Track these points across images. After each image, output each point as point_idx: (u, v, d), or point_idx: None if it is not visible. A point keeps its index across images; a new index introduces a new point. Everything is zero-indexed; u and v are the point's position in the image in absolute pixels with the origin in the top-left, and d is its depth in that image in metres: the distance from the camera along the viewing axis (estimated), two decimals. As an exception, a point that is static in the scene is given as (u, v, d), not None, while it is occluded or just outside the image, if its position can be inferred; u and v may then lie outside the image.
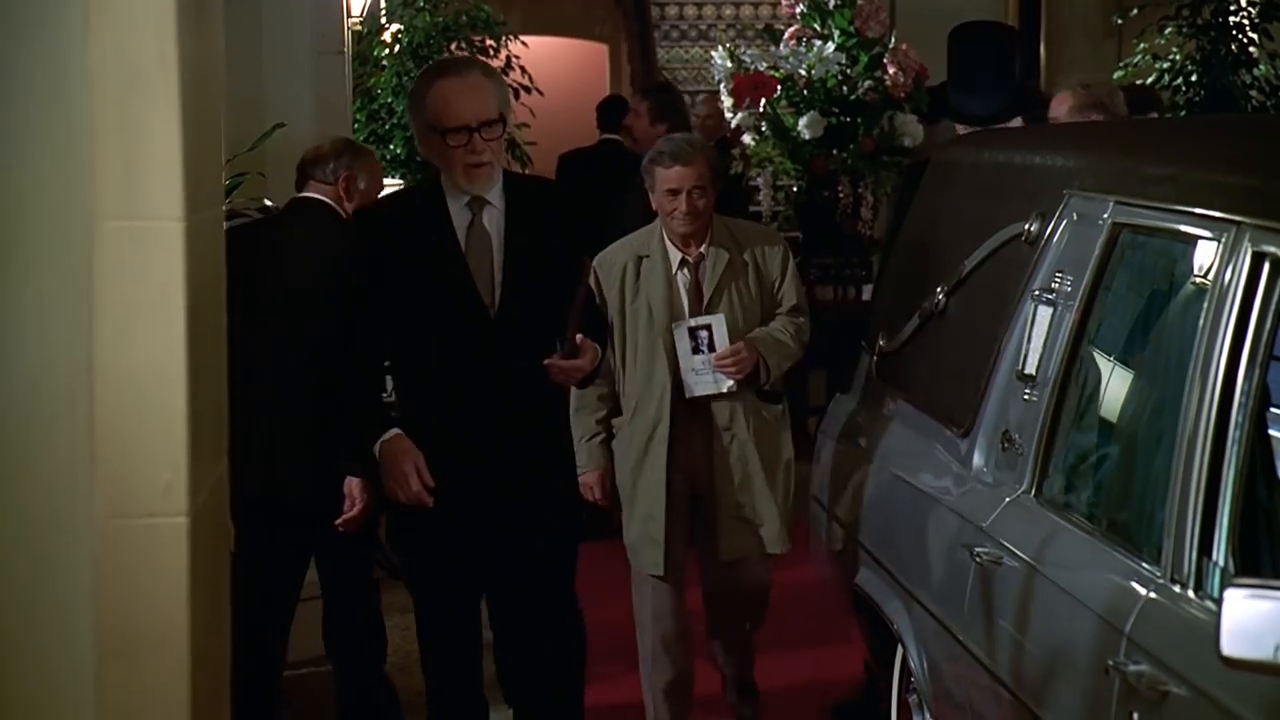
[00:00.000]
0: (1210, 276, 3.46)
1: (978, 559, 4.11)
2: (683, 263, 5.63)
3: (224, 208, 5.21)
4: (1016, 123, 7.00)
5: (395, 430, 4.67)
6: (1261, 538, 3.45)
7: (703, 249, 5.62)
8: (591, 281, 5.18)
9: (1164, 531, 3.40)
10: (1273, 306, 3.29)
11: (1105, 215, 4.01)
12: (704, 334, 5.56)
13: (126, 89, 2.58)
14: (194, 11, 2.71)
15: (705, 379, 5.57)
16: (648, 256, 5.64)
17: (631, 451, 5.65)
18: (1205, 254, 3.53)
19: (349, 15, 7.37)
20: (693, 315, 5.57)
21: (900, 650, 4.76)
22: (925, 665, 4.53)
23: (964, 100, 6.36)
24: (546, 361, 4.64)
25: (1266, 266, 3.30)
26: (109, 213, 2.61)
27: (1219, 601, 2.78)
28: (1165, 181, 3.81)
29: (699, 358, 5.56)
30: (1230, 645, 2.74)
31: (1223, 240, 3.43)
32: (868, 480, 5.16)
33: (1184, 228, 3.64)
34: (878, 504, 5.09)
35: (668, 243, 5.64)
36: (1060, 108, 6.26)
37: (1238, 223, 3.39)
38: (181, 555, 2.66)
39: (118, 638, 2.65)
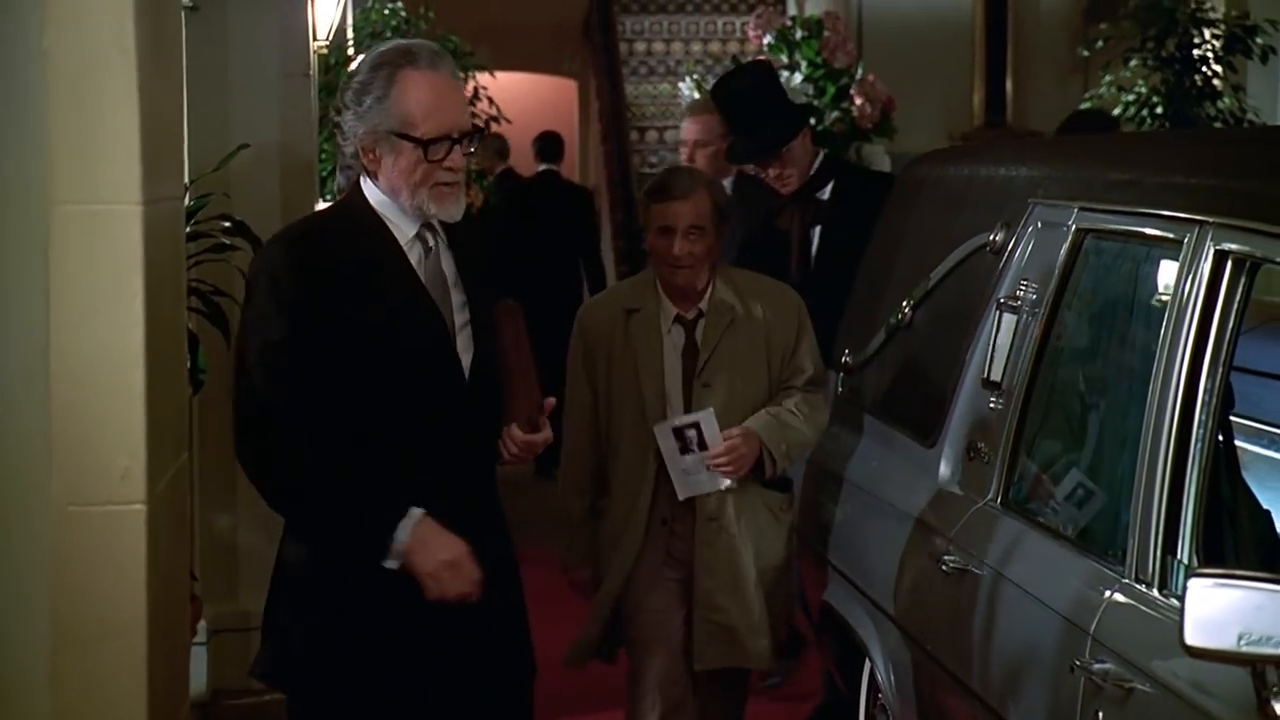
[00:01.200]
0: (1174, 276, 3.47)
1: (944, 568, 4.10)
2: (677, 320, 4.85)
3: (189, 229, 5.21)
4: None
5: (418, 510, 3.44)
6: (1225, 536, 3.47)
7: (701, 305, 4.85)
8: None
9: (1129, 532, 3.40)
10: (1236, 304, 3.30)
11: (1069, 222, 4.02)
12: (691, 433, 4.78)
13: (83, 71, 2.58)
14: (152, -3, 2.70)
15: (699, 479, 4.81)
16: (638, 310, 4.86)
17: (614, 536, 4.87)
18: (1169, 254, 3.54)
19: (315, 38, 7.34)
20: (685, 383, 4.81)
21: (868, 664, 4.74)
22: (893, 678, 4.51)
23: (741, 141, 6.33)
24: (523, 437, 3.67)
25: (1229, 265, 3.31)
26: (65, 196, 2.59)
27: (1182, 594, 2.78)
28: (1128, 186, 3.83)
29: (689, 458, 4.80)
30: (1194, 636, 2.75)
31: (1186, 240, 3.44)
32: (835, 497, 5.15)
33: (1147, 230, 3.65)
34: (845, 520, 5.08)
35: (662, 295, 4.86)
36: None
37: (1200, 222, 3.40)
38: (140, 543, 2.63)
39: (74, 627, 2.63)
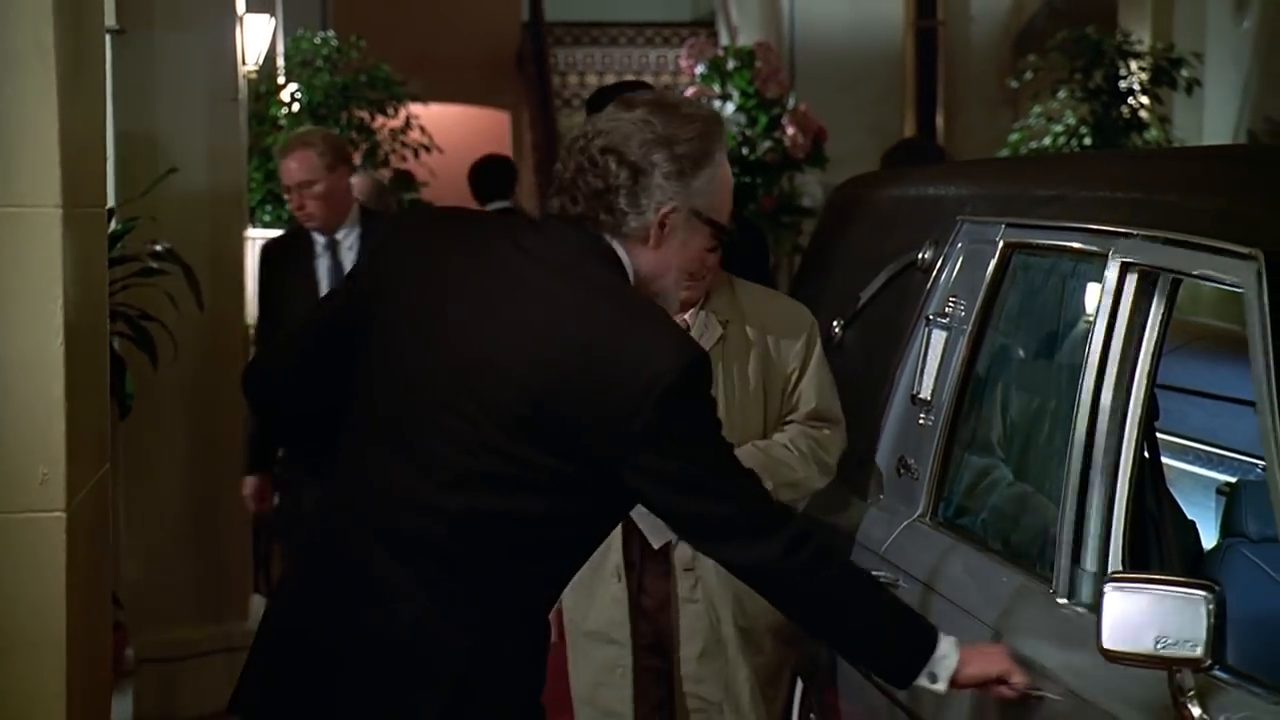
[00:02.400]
0: (1099, 289, 3.49)
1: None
2: None
3: (116, 253, 5.17)
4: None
5: None
6: (1151, 548, 3.48)
7: (688, 316, 4.22)
8: None
9: (1057, 545, 3.41)
10: (1160, 316, 3.32)
11: (997, 237, 4.04)
12: None
13: (1, 74, 2.55)
14: (72, -2, 2.68)
15: None
16: None
17: (580, 587, 4.19)
18: (1094, 269, 3.56)
19: (244, 63, 7.32)
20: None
21: (799, 683, 4.73)
22: (822, 698, 4.50)
23: None
24: None
25: (1153, 278, 3.33)
26: (-17, 199, 2.57)
27: (1098, 598, 2.78)
28: (1053, 201, 3.85)
29: None
30: (1111, 640, 2.76)
31: (1110, 254, 3.46)
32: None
33: (1073, 244, 3.67)
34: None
35: None
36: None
37: (1124, 235, 3.43)
38: (59, 551, 2.60)
39: (-8, 635, 2.60)
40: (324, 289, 6.00)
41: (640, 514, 3.89)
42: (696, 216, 2.95)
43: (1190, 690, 2.75)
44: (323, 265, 6.12)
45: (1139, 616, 2.72)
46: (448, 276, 2.91)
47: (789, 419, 4.28)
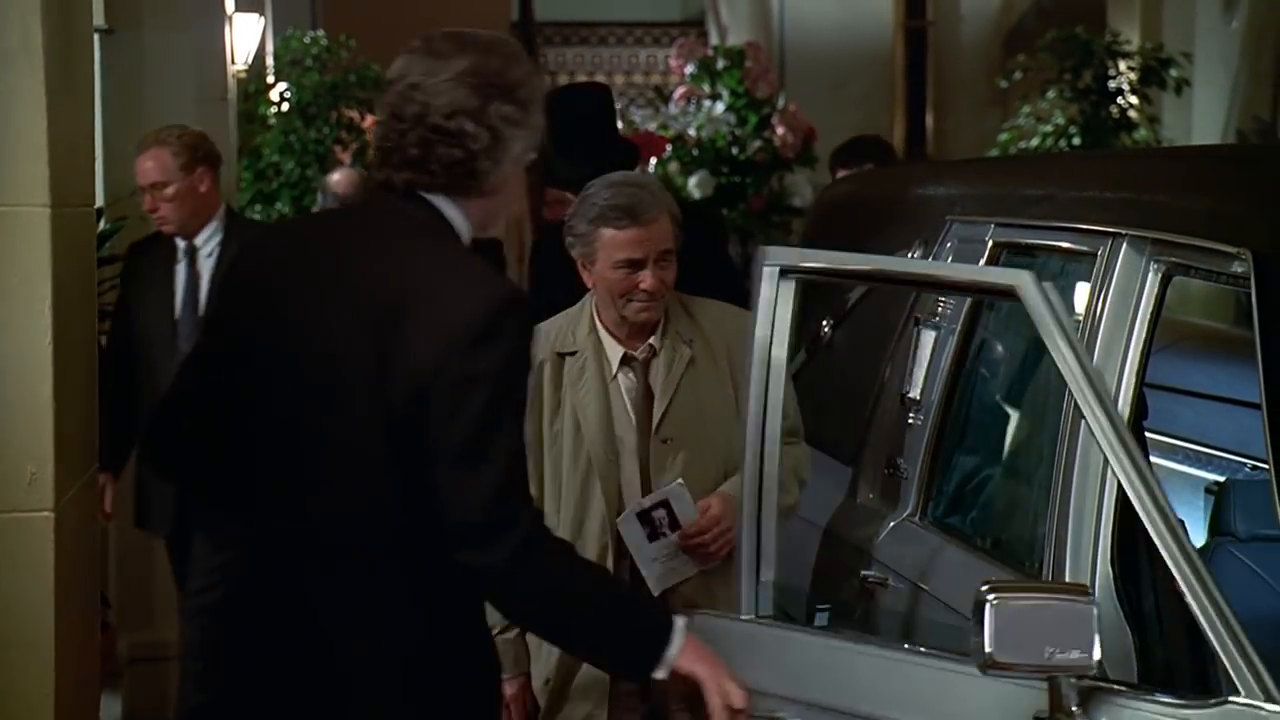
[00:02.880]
0: (1087, 289, 3.49)
1: (864, 582, 4.10)
2: (625, 361, 3.97)
3: (106, 253, 5.17)
4: None
5: None
6: (1140, 548, 3.48)
7: (654, 340, 3.97)
8: None
9: (1045, 544, 3.41)
10: (1150, 314, 3.33)
11: (986, 237, 4.05)
12: (660, 514, 3.90)
13: (-11, 73, 2.55)
14: (60, -3, 2.68)
15: (672, 567, 3.94)
16: (572, 353, 3.99)
17: None
18: (1083, 267, 3.56)
19: (233, 62, 7.32)
20: (641, 440, 3.94)
21: None
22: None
23: (564, 165, 5.44)
24: None
25: (1142, 276, 3.33)
26: (-29, 198, 2.57)
27: (980, 608, 2.69)
28: (1043, 201, 3.86)
29: (658, 544, 3.91)
30: (999, 651, 2.67)
31: (1100, 252, 3.46)
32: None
33: (1062, 243, 3.68)
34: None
35: (602, 333, 3.98)
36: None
37: (1113, 234, 3.43)
38: (47, 550, 2.60)
39: (-20, 635, 2.59)
40: (180, 299, 5.65)
41: (643, 560, 3.89)
42: (529, 154, 2.90)
43: (1073, 703, 2.71)
44: (180, 272, 5.69)
45: (1026, 626, 2.66)
46: (287, 303, 2.84)
47: None
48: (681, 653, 2.86)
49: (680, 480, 3.89)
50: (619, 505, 3.92)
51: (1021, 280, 2.84)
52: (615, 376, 3.97)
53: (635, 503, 3.90)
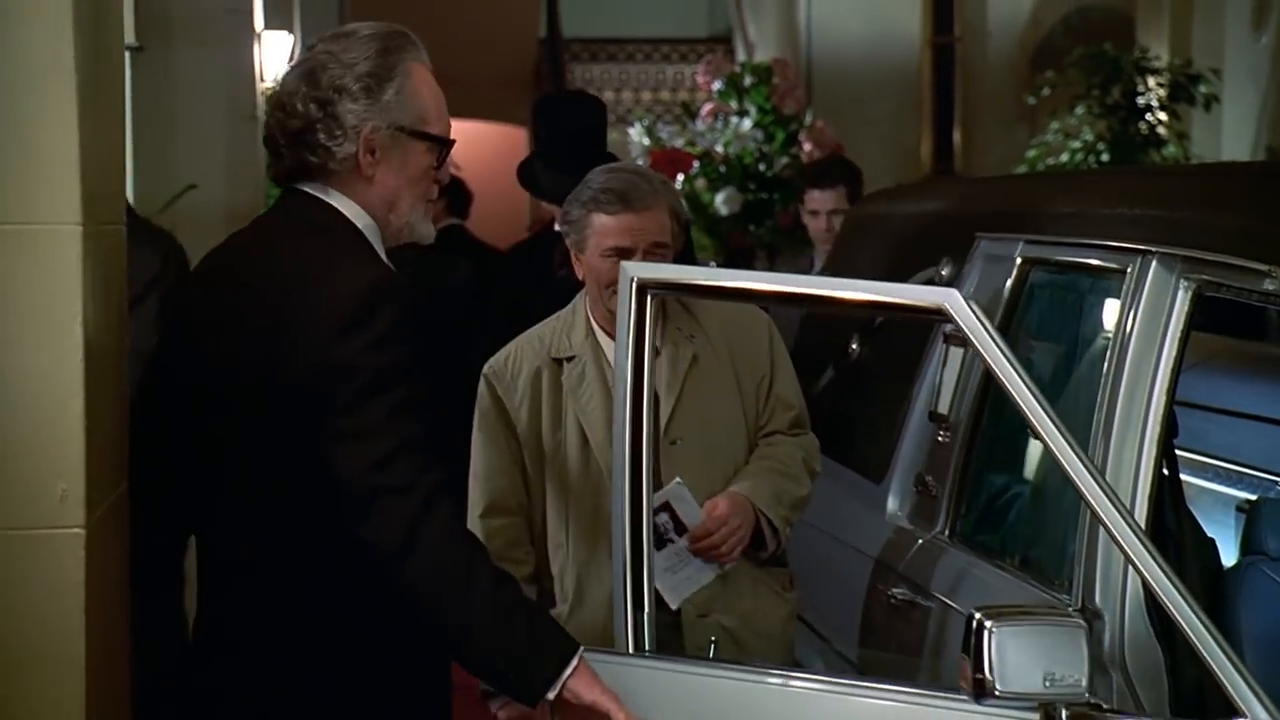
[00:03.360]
0: (1117, 306, 3.49)
1: (893, 601, 4.09)
2: None
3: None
4: None
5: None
6: (1170, 564, 3.46)
7: (656, 339, 3.49)
8: None
9: (1075, 562, 3.40)
10: (1179, 332, 3.32)
11: (1015, 254, 4.04)
12: (663, 518, 3.64)
13: (20, 89, 2.56)
14: (91, 15, 2.69)
15: (687, 575, 3.69)
16: (570, 358, 3.78)
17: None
18: (1113, 285, 3.56)
19: (262, 80, 7.35)
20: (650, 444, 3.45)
21: None
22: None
23: (551, 178, 5.27)
24: None
25: (1172, 293, 3.33)
26: (3, 216, 2.58)
27: (977, 636, 2.66)
28: (1072, 218, 3.85)
29: (666, 552, 3.63)
30: (1002, 680, 2.65)
31: (1129, 270, 3.46)
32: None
33: (1091, 260, 3.67)
34: (795, 558, 5.06)
35: (599, 334, 3.78)
36: None
37: (1143, 252, 3.42)
38: (79, 568, 2.60)
39: (11, 652, 2.59)
40: None
41: (658, 571, 3.50)
42: (403, 132, 2.90)
43: None
44: None
45: (1027, 654, 2.62)
46: (196, 320, 2.93)
47: (770, 430, 3.90)
48: (577, 677, 2.76)
49: (679, 479, 3.68)
50: None
51: (950, 299, 2.79)
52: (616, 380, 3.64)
53: None
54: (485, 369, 3.82)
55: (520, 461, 3.80)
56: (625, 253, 3.66)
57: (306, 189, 2.92)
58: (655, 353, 3.48)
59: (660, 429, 3.66)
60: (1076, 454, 2.65)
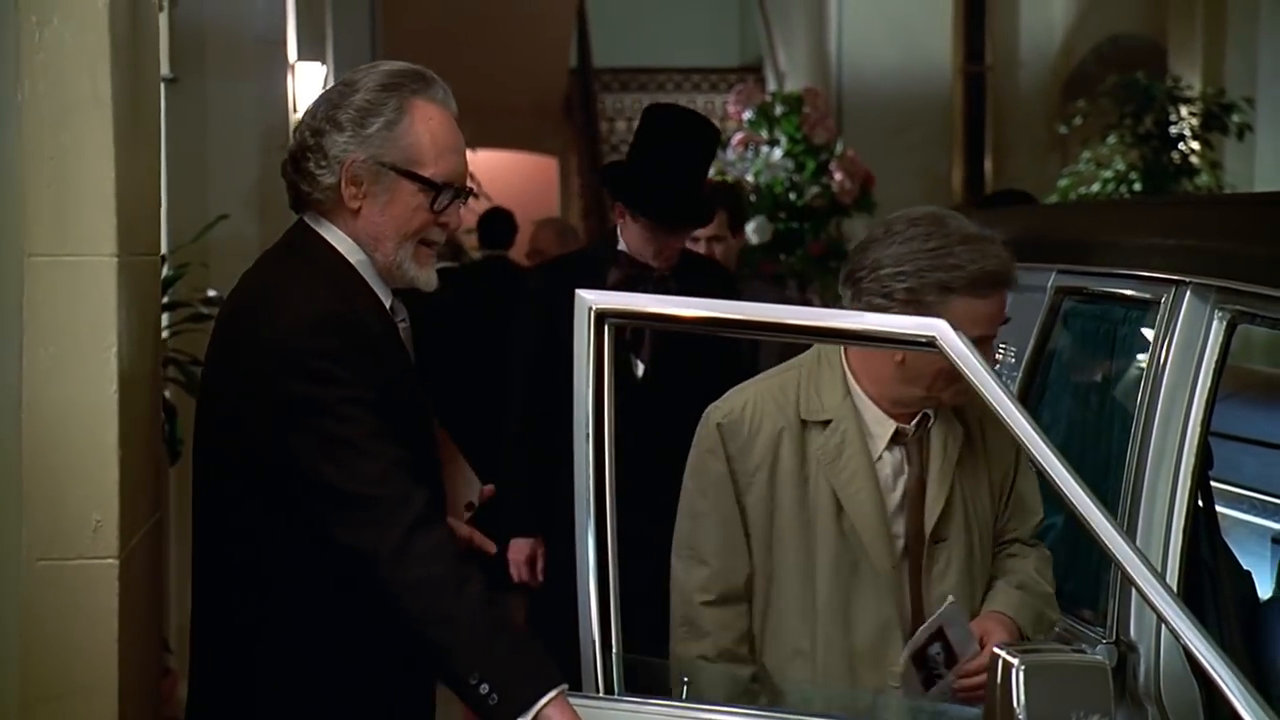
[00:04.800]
0: (1151, 336, 3.48)
1: (925, 632, 4.07)
2: (895, 437, 3.14)
3: (168, 299, 5.21)
4: None
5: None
6: (1206, 597, 3.45)
7: (929, 409, 3.15)
8: None
9: (1109, 593, 3.39)
10: (1214, 362, 3.31)
11: (1048, 284, 4.03)
12: (936, 650, 3.02)
13: (59, 124, 2.58)
14: (128, 46, 2.71)
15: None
16: (824, 422, 3.14)
17: None
18: (1146, 315, 3.55)
19: (295, 110, 7.38)
20: (915, 541, 3.11)
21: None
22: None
23: (638, 184, 4.83)
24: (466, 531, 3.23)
25: (1206, 324, 3.32)
26: (40, 248, 2.59)
27: (1006, 675, 2.53)
28: (1105, 248, 3.84)
29: (934, 690, 3.03)
30: (1033, 717, 2.64)
31: (1163, 300, 3.45)
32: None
33: (1125, 290, 3.66)
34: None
35: (860, 398, 3.14)
36: None
37: (1177, 282, 3.41)
38: (112, 598, 2.61)
39: (45, 683, 2.60)
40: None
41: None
42: (389, 169, 2.87)
43: None
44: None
45: (1056, 690, 2.51)
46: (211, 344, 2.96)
47: (1011, 536, 3.29)
48: (555, 707, 2.67)
49: (952, 598, 3.06)
50: (901, 629, 3.09)
51: (939, 329, 2.73)
52: (881, 456, 3.13)
53: (910, 642, 3.03)
54: (717, 421, 3.18)
55: (747, 536, 3.18)
56: (982, 340, 3.02)
57: (306, 219, 2.94)
58: (925, 426, 3.15)
59: (925, 525, 3.12)
60: (1076, 483, 2.61)
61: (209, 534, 2.84)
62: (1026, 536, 3.30)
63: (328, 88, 2.99)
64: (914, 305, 3.00)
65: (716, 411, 3.18)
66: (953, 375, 2.80)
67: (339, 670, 2.83)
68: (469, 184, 2.99)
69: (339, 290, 2.85)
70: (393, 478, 2.71)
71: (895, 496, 3.13)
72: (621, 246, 4.85)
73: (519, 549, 4.91)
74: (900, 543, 3.11)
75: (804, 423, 3.14)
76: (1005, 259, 3.07)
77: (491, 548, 3.16)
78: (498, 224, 9.28)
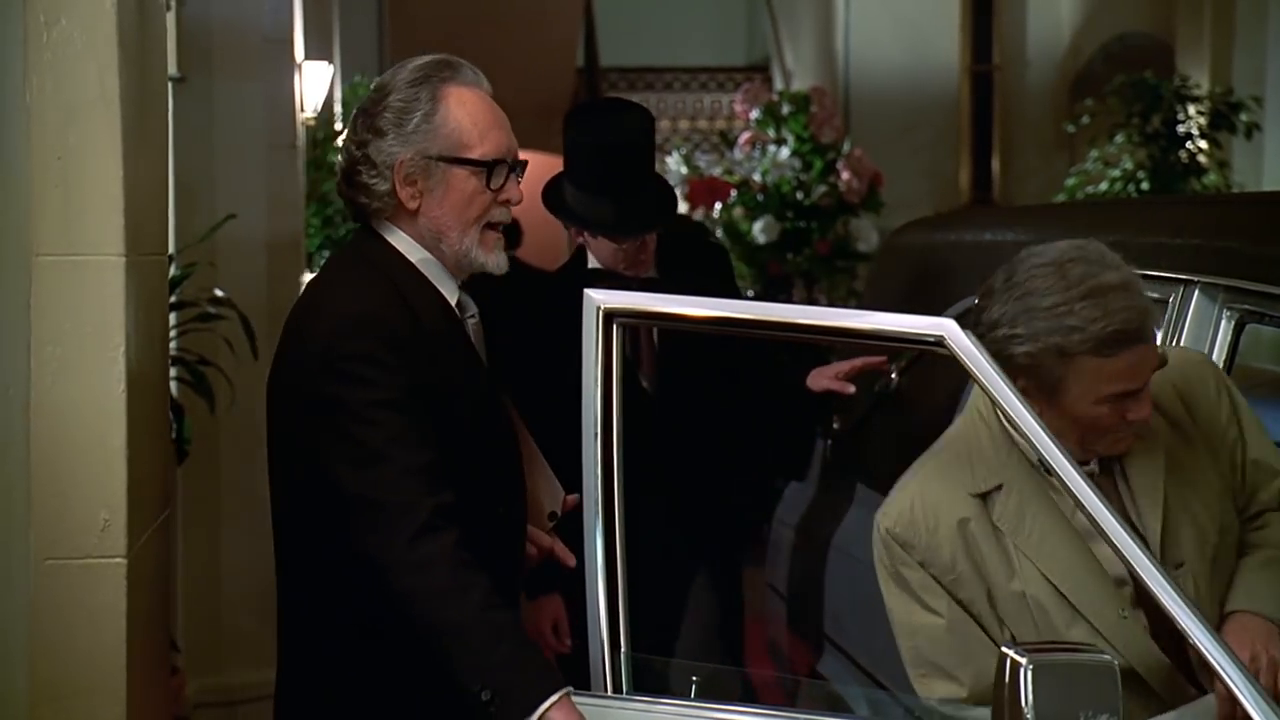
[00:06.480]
0: (1159, 335, 3.47)
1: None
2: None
3: (175, 299, 5.22)
4: None
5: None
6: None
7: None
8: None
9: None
10: (1223, 361, 3.31)
11: (1055, 283, 4.02)
12: None
13: (66, 122, 2.58)
14: (136, 46, 2.71)
15: None
16: (995, 489, 2.90)
17: None
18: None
19: (302, 110, 7.37)
20: (1137, 584, 2.74)
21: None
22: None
23: (584, 200, 4.40)
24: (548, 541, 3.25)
25: (1215, 322, 3.32)
26: (47, 247, 2.59)
27: (1014, 675, 2.51)
28: (1113, 247, 3.82)
29: None
30: (1040, 716, 2.60)
31: (1171, 300, 3.45)
32: (824, 564, 5.12)
33: (1133, 289, 3.65)
34: (834, 587, 5.05)
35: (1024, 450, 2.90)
36: None
37: (1185, 281, 3.41)
38: (120, 597, 2.61)
39: (52, 682, 2.61)
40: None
41: None
42: (437, 161, 2.90)
43: None
44: None
45: (1065, 690, 2.50)
46: None
47: (1257, 509, 3.00)
48: (559, 710, 2.66)
49: (1208, 697, 2.71)
50: (1149, 677, 2.83)
51: (948, 329, 2.69)
52: (1075, 508, 2.79)
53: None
54: (887, 527, 2.98)
55: (981, 627, 2.92)
56: (1128, 395, 2.80)
57: (372, 225, 2.98)
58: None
59: (1161, 551, 2.85)
60: (1085, 483, 2.59)
61: (280, 527, 2.98)
62: (1274, 502, 2.97)
63: (360, 99, 3.00)
64: (1036, 370, 2.80)
65: (885, 519, 2.98)
66: (1107, 429, 2.76)
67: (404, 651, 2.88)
68: (518, 155, 2.99)
69: (391, 291, 2.88)
70: (404, 485, 2.73)
71: (1098, 547, 2.83)
72: (593, 263, 4.48)
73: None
74: (1128, 588, 2.85)
75: (979, 498, 2.91)
76: (1136, 310, 2.79)
77: (571, 560, 3.14)
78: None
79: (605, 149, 4.33)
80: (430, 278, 2.95)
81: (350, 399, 2.74)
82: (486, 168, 2.92)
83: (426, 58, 2.98)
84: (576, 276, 4.37)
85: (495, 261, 2.99)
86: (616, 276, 4.38)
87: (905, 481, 3.04)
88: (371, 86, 2.95)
